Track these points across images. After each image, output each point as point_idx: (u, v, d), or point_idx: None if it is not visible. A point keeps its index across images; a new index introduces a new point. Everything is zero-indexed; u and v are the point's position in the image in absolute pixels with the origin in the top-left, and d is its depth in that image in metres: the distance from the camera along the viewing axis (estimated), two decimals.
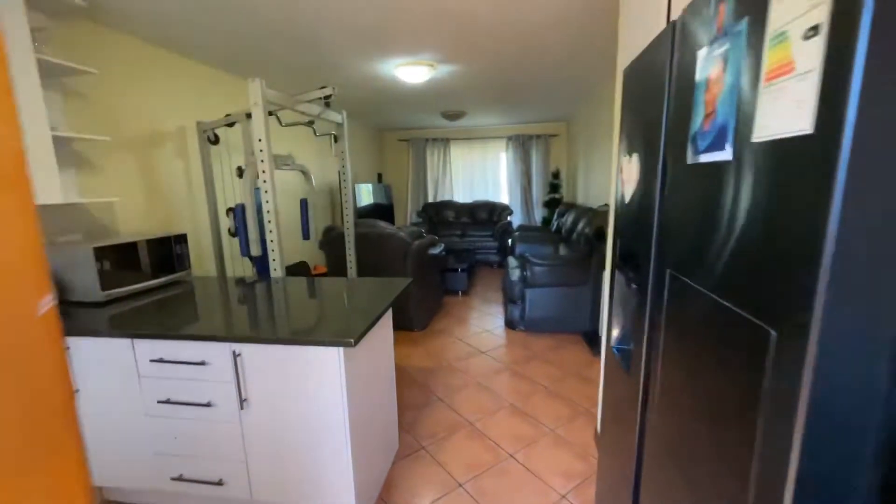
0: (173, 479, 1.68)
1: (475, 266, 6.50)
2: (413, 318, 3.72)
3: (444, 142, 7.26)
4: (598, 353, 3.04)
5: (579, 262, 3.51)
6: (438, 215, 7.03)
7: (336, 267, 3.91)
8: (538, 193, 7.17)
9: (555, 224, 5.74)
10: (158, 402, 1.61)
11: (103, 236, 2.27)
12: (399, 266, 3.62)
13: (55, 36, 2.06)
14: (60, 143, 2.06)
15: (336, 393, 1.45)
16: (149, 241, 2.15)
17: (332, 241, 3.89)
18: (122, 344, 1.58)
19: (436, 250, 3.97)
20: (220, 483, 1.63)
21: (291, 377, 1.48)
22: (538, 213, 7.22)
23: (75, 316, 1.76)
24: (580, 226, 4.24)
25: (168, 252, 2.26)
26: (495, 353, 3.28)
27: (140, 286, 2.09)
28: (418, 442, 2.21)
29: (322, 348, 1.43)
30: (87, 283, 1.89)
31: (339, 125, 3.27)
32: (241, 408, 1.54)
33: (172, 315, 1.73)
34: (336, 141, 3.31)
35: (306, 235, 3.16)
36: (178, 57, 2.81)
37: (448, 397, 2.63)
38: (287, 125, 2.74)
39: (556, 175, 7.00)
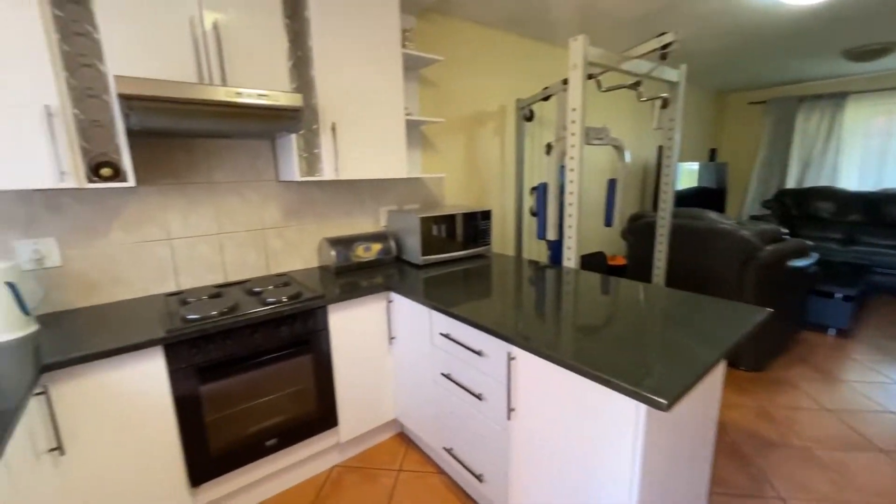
0: (445, 448, 1.73)
1: (869, 293, 4.18)
2: (741, 350, 2.65)
3: (836, 99, 4.84)
4: None
5: None
6: (803, 208, 4.88)
7: (638, 262, 3.27)
8: None
9: None
10: (441, 374, 1.65)
11: (433, 207, 2.63)
12: (731, 276, 2.60)
13: (415, 32, 2.42)
14: (412, 126, 2.44)
15: (624, 455, 1.01)
16: (462, 215, 2.29)
17: (638, 231, 3.26)
18: (423, 309, 1.69)
19: (802, 262, 2.63)
20: (479, 478, 1.54)
21: (569, 407, 1.14)
22: None
23: (402, 274, 2.06)
24: None
25: (475, 226, 2.36)
26: None
27: (450, 255, 2.28)
28: None
29: (616, 394, 1.00)
30: (414, 246, 2.19)
31: (673, 85, 2.54)
32: (508, 417, 1.35)
33: (467, 289, 1.73)
34: (664, 106, 2.61)
35: (609, 222, 2.70)
36: (502, 34, 2.87)
37: (794, 500, 1.65)
38: (607, 90, 2.31)
39: None
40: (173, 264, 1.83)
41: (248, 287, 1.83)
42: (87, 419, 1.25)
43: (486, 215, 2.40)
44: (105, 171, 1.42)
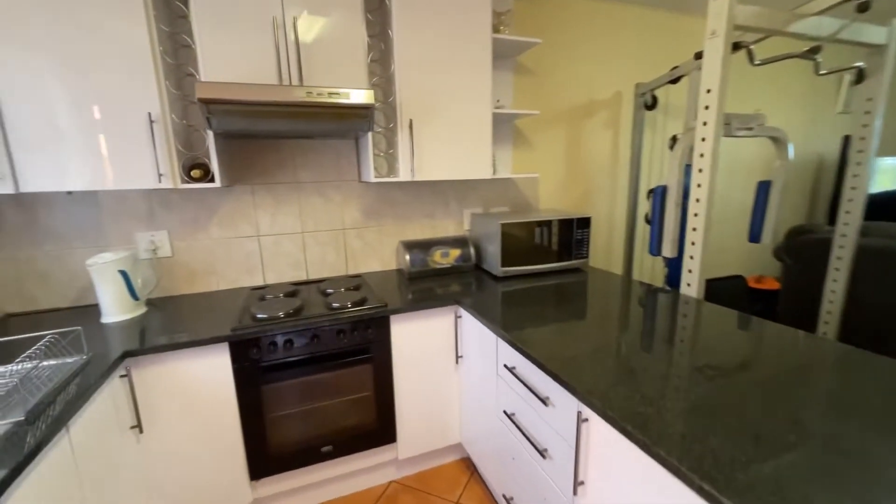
0: (504, 497, 1.49)
1: None
2: None
3: None
4: None
5: None
6: None
7: (797, 293, 2.49)
8: None
9: None
10: (504, 412, 1.41)
11: (523, 211, 2.35)
12: None
13: (512, 15, 2.15)
14: (503, 120, 2.19)
15: None
16: (553, 222, 1.98)
17: (801, 251, 2.48)
18: (490, 334, 1.46)
19: None
20: None
21: None
22: None
23: (479, 285, 1.86)
24: None
25: (569, 235, 2.02)
26: None
27: (535, 268, 1.99)
28: None
29: None
30: (494, 254, 1.96)
31: (877, 50, 1.81)
32: (574, 492, 1.05)
33: (546, 312, 1.44)
34: (858, 81, 1.88)
35: (756, 236, 2.08)
36: (621, 7, 2.40)
37: None
38: (763, 63, 1.74)
39: None
40: (261, 259, 1.93)
41: (322, 287, 1.84)
42: (163, 402, 1.35)
43: (584, 223, 2.04)
44: (195, 173, 1.52)
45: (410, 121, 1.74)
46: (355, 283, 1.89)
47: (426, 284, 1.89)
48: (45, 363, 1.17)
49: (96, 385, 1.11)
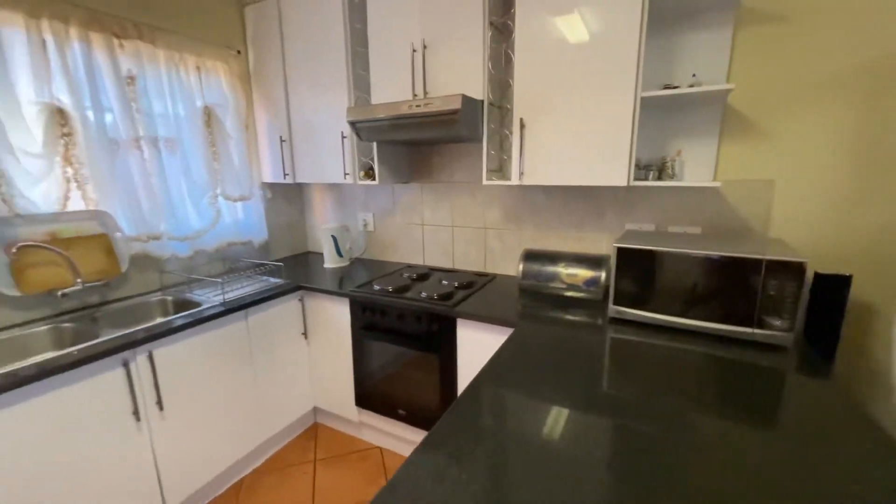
0: None
1: None
2: None
3: None
4: None
5: None
6: None
7: None
8: None
9: None
10: None
11: (733, 235, 1.54)
12: None
13: None
14: (693, 102, 1.52)
15: None
16: (712, 260, 1.25)
17: None
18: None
19: None
20: None
21: None
22: None
23: (585, 320, 1.51)
24: None
25: (749, 286, 1.22)
26: None
27: (671, 319, 1.36)
28: None
29: None
30: (612, 286, 1.48)
31: None
32: None
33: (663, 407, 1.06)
34: None
35: None
36: None
37: None
38: None
39: None
40: (423, 244, 2.34)
41: (446, 277, 2.04)
42: (320, 323, 2.05)
43: (795, 273, 1.16)
44: (362, 174, 2.08)
45: (521, 119, 1.59)
46: (474, 280, 1.96)
47: (535, 302, 1.70)
48: (263, 277, 2.08)
49: (276, 300, 1.89)
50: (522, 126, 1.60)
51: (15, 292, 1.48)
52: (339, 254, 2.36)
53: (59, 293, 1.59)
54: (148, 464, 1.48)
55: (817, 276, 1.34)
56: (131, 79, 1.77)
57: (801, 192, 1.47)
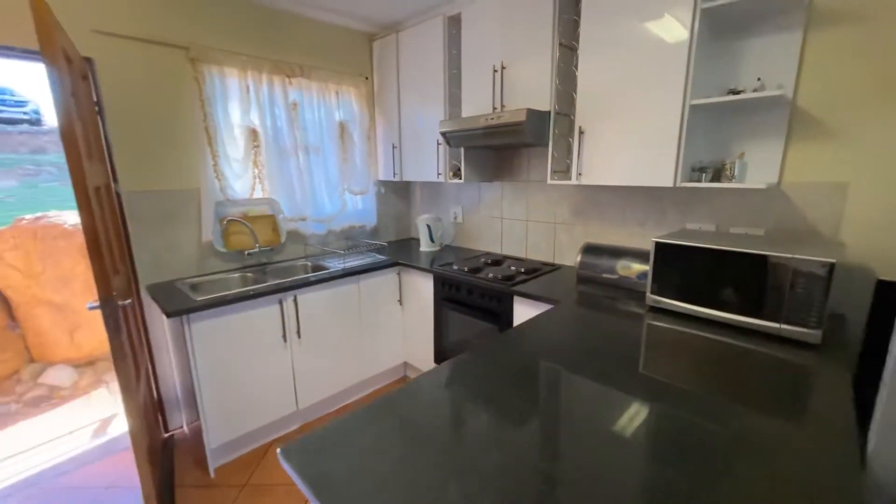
0: None
1: None
2: None
3: None
4: None
5: None
6: None
7: None
8: None
9: None
10: None
11: (802, 237, 1.53)
12: None
13: None
14: (758, 106, 1.56)
15: None
16: (743, 255, 1.33)
17: None
18: None
19: None
20: None
21: None
22: None
23: (625, 303, 1.70)
24: None
25: (777, 283, 1.29)
26: None
27: (699, 310, 1.46)
28: None
29: None
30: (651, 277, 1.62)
31: None
32: None
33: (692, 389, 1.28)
34: None
35: None
36: None
37: None
38: None
39: None
40: (501, 235, 2.68)
41: (515, 263, 2.35)
42: (413, 294, 2.55)
43: (823, 273, 1.20)
44: (451, 174, 2.50)
45: (580, 127, 1.82)
46: (539, 268, 2.23)
47: (583, 287, 1.92)
48: (372, 254, 2.65)
49: (380, 271, 2.44)
50: (581, 133, 1.82)
51: (223, 249, 2.29)
52: (432, 240, 2.84)
53: (246, 253, 2.38)
54: (288, 373, 2.14)
55: (880, 283, 1.31)
56: (295, 104, 2.49)
57: (878, 196, 1.41)
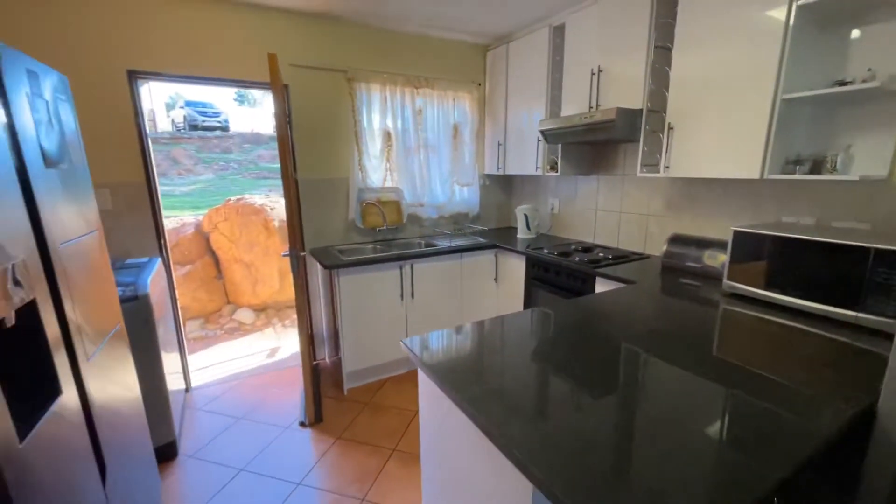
0: None
1: None
2: None
3: None
4: None
5: None
6: None
7: None
8: None
9: None
10: None
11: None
12: None
13: None
14: (858, 99, 1.55)
15: None
16: (822, 244, 1.38)
17: None
18: None
19: None
20: None
21: None
22: None
23: (703, 288, 1.83)
24: None
25: (859, 273, 1.32)
26: None
27: (776, 297, 1.53)
28: None
29: None
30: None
31: None
32: None
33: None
34: None
35: None
36: None
37: None
38: None
39: None
40: (594, 226, 2.85)
41: (605, 251, 2.53)
42: (507, 274, 2.91)
43: (888, 260, 1.22)
44: (548, 167, 2.77)
45: (669, 123, 1.95)
46: (628, 255, 2.39)
47: (666, 273, 2.05)
48: (474, 237, 3.06)
49: (479, 251, 2.86)
50: (670, 128, 1.96)
51: (361, 226, 2.95)
52: (528, 228, 3.15)
53: (377, 230, 3.01)
54: (402, 325, 2.69)
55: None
56: (420, 110, 3.03)
57: None
